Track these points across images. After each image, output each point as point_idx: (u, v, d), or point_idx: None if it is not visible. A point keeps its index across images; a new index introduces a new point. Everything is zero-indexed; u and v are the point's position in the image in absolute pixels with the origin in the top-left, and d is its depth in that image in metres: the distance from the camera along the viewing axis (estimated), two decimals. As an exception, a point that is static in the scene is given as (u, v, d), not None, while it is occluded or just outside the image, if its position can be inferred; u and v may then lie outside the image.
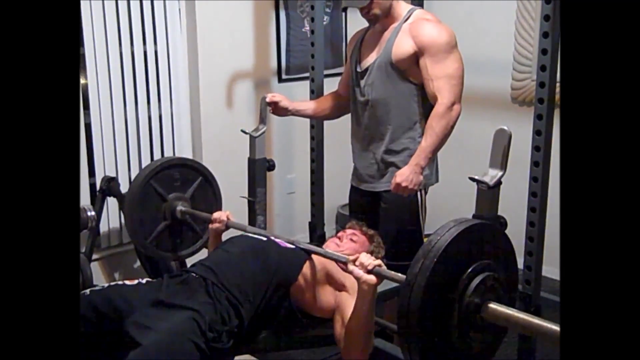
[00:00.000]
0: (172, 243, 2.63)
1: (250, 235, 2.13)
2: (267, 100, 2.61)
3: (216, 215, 2.31)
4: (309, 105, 2.75)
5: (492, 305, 1.49)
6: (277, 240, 2.10)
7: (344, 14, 3.79)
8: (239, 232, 2.23)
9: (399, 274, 1.68)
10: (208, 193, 2.70)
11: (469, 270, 1.48)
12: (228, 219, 2.29)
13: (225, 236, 2.29)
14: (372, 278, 1.73)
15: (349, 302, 1.92)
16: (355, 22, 2.76)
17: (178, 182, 2.60)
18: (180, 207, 2.56)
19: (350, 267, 1.77)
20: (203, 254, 2.49)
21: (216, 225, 2.29)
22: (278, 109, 2.64)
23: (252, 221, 2.73)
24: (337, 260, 1.93)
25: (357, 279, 1.75)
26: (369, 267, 1.73)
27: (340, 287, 2.01)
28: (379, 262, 1.75)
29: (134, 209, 2.55)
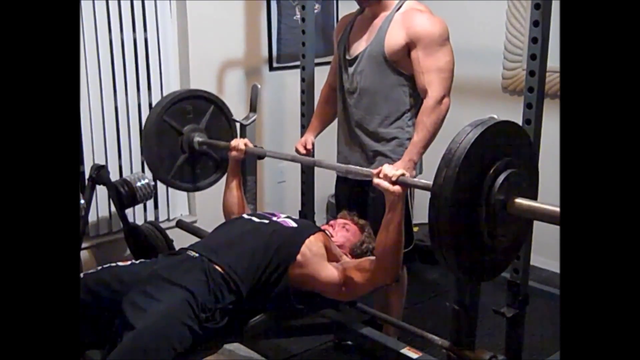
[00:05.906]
0: (193, 175, 2.66)
1: (252, 218, 2.15)
2: (303, 152, 2.60)
3: (234, 143, 2.39)
4: (321, 120, 2.73)
5: (517, 200, 1.52)
6: (279, 220, 2.11)
7: (335, 1, 3.78)
8: (241, 215, 2.22)
9: (423, 181, 1.71)
10: (221, 121, 2.71)
11: (491, 170, 1.50)
12: (246, 145, 2.36)
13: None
14: (397, 188, 1.78)
15: (353, 262, 2.00)
16: (347, 10, 2.75)
17: (191, 114, 2.60)
18: (197, 138, 2.58)
19: (376, 180, 1.82)
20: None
21: (234, 153, 2.38)
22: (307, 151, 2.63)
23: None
24: (361, 175, 2.02)
25: (385, 190, 1.79)
26: (393, 178, 1.78)
27: (337, 259, 2.05)
28: (401, 171, 1.80)
29: (152, 147, 2.55)
